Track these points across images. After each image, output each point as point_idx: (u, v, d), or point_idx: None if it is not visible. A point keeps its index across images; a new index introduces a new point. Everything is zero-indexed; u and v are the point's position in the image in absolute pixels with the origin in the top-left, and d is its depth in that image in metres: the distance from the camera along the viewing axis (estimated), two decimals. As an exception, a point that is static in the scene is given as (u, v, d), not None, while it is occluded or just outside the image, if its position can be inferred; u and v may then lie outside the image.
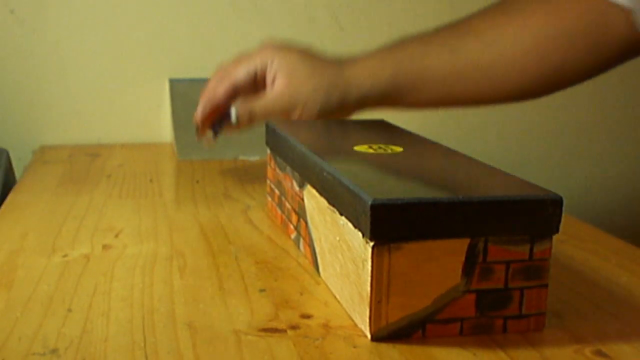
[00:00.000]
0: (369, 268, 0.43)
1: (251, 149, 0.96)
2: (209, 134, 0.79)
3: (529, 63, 0.72)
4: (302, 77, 0.73)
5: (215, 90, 0.76)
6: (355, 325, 0.46)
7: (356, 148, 0.57)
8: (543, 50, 0.72)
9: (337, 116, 0.75)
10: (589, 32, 0.71)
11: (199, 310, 0.48)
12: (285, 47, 0.76)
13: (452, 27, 0.75)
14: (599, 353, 0.43)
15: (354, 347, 0.44)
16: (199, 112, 0.77)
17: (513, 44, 0.72)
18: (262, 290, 0.52)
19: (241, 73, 0.74)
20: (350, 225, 0.46)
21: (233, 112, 0.75)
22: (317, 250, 0.55)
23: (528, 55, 0.72)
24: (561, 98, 1.22)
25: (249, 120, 0.75)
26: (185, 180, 0.84)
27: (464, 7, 1.15)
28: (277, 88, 0.74)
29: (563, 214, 0.44)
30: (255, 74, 0.75)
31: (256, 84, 0.75)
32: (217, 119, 0.77)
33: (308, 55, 0.76)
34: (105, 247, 0.61)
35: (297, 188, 0.60)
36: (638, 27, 0.68)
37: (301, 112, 0.73)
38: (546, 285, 0.45)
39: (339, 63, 0.75)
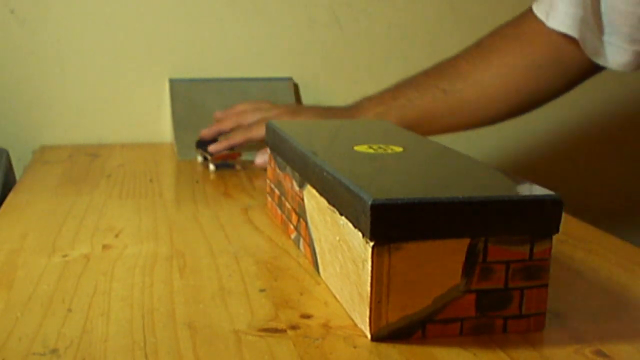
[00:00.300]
0: (369, 268, 0.43)
1: (251, 149, 0.96)
2: (211, 164, 0.89)
3: (508, 94, 0.88)
4: None
5: (234, 136, 0.89)
6: (355, 325, 0.46)
7: (356, 148, 0.57)
8: (519, 82, 0.88)
9: None
10: (554, 61, 0.86)
11: (199, 310, 0.48)
12: (301, 110, 0.90)
13: (440, 70, 0.90)
14: (599, 353, 0.43)
15: (354, 347, 0.44)
16: (209, 137, 0.92)
17: (494, 80, 0.88)
18: (262, 290, 0.52)
19: (260, 133, 0.86)
20: (350, 225, 0.46)
21: (260, 159, 0.87)
22: (317, 250, 0.55)
23: (507, 87, 0.88)
24: (561, 99, 1.22)
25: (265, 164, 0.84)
26: (185, 180, 0.84)
27: (463, 7, 1.15)
28: None
29: (563, 214, 0.44)
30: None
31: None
32: (224, 157, 0.89)
33: (322, 111, 0.90)
34: (105, 247, 0.61)
35: (297, 188, 0.60)
36: (587, 54, 0.82)
37: None
38: (546, 285, 0.45)
39: (348, 110, 0.89)
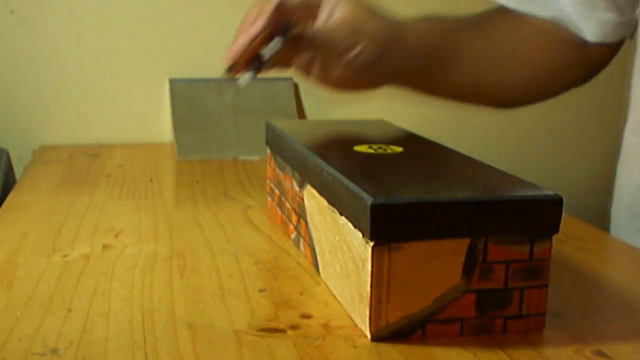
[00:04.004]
0: (369, 268, 0.43)
1: (251, 149, 0.96)
2: (243, 74, 0.66)
3: (537, 60, 0.80)
4: (366, 13, 0.69)
5: (259, 18, 0.66)
6: (355, 325, 0.46)
7: (356, 148, 0.57)
8: (547, 53, 0.80)
9: (373, 77, 0.71)
10: (571, 51, 0.80)
11: (199, 310, 0.48)
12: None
13: (472, 23, 0.80)
14: (599, 353, 0.43)
15: (354, 347, 0.44)
16: (237, 46, 0.67)
17: (526, 41, 0.80)
18: (262, 290, 0.52)
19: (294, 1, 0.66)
20: (350, 225, 0.46)
21: (278, 41, 0.65)
22: (317, 250, 0.55)
23: (537, 54, 0.80)
24: (562, 99, 1.22)
25: (306, 46, 0.67)
26: (185, 180, 0.84)
27: (464, 7, 1.15)
28: (339, 16, 0.66)
29: (563, 214, 0.44)
30: (310, 3, 0.67)
31: (307, 15, 0.67)
32: (256, 55, 0.66)
33: (368, 7, 0.70)
34: (105, 247, 0.61)
35: (297, 188, 0.60)
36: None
37: (360, 51, 0.67)
38: (546, 285, 0.45)
39: (392, 17, 0.73)
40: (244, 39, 0.66)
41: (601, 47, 0.81)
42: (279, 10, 0.66)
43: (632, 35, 0.82)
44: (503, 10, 0.81)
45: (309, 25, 0.67)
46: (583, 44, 0.80)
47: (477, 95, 0.83)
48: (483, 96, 0.84)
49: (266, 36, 0.66)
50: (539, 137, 1.22)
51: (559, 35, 0.80)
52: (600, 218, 0.85)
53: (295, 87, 1.11)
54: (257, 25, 0.66)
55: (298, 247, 0.61)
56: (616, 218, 0.79)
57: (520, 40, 0.81)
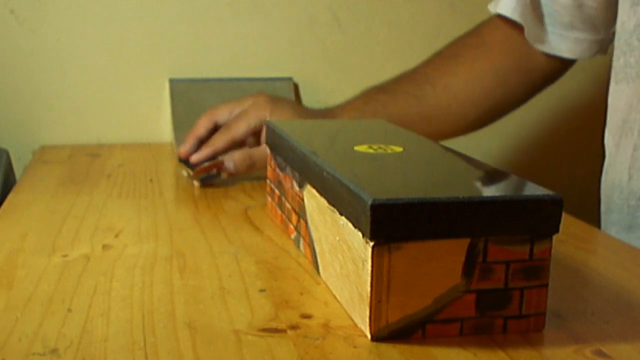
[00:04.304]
0: (369, 268, 0.43)
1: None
2: (195, 181, 0.81)
3: (478, 99, 0.90)
4: (301, 115, 0.81)
5: (215, 140, 0.81)
6: (355, 325, 0.46)
7: (356, 148, 0.57)
8: (488, 87, 0.90)
9: None
10: (518, 67, 0.90)
11: (199, 310, 0.48)
12: (278, 101, 0.84)
13: (410, 77, 0.90)
14: (599, 353, 0.43)
15: (354, 347, 0.44)
16: (188, 152, 0.83)
17: (463, 85, 0.89)
18: (262, 290, 0.52)
19: (242, 129, 0.81)
20: (350, 225, 0.46)
21: (230, 163, 0.79)
22: (317, 250, 0.55)
23: (476, 93, 0.90)
24: (562, 98, 1.23)
25: (249, 167, 0.80)
26: (185, 181, 0.84)
27: (464, 7, 1.15)
28: None
29: (563, 214, 0.44)
30: (253, 129, 0.81)
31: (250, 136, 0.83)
32: (206, 169, 0.81)
33: (299, 108, 0.86)
34: (105, 247, 0.61)
35: (297, 188, 0.60)
36: (531, 41, 0.86)
37: None
38: (546, 285, 0.45)
39: (325, 114, 0.87)
40: (196, 152, 0.81)
41: (551, 63, 0.89)
42: (231, 142, 0.81)
43: (606, 51, 0.86)
44: (442, 59, 0.91)
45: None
46: (533, 65, 0.89)
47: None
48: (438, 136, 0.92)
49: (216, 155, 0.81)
50: (539, 137, 1.22)
51: (504, 64, 0.89)
52: (600, 218, 0.85)
53: (295, 87, 1.11)
54: (215, 147, 0.81)
55: (298, 247, 0.61)
56: (604, 218, 0.80)
57: (462, 81, 0.89)
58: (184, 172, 0.84)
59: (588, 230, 0.69)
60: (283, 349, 0.43)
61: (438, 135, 0.90)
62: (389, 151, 0.56)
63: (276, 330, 0.46)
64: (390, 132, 0.66)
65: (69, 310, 0.48)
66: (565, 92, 1.19)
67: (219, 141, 0.81)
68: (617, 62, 0.78)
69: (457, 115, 0.90)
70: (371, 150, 0.56)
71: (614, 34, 0.84)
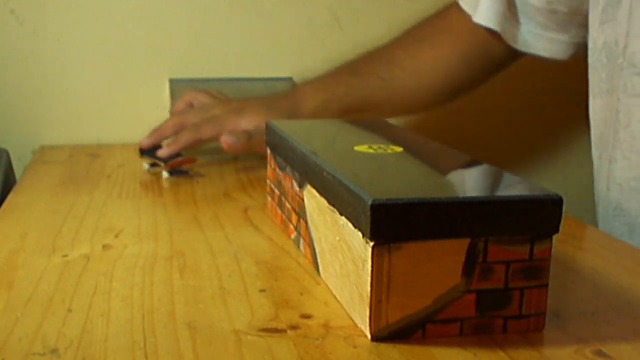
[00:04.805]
0: (369, 268, 0.43)
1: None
2: (165, 171, 0.86)
3: (442, 83, 0.95)
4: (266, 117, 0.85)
5: (182, 139, 0.85)
6: (355, 325, 0.46)
7: (356, 148, 0.57)
8: (452, 72, 0.95)
9: None
10: (481, 53, 0.93)
11: (199, 310, 0.48)
12: (246, 106, 0.87)
13: (376, 58, 0.94)
14: (599, 353, 0.43)
15: (354, 347, 0.44)
16: (149, 145, 0.88)
17: (430, 70, 0.94)
18: (262, 290, 0.52)
19: (209, 133, 0.85)
20: (350, 225, 0.46)
21: (230, 137, 0.83)
22: (317, 250, 0.55)
23: (441, 77, 0.95)
24: (562, 98, 1.22)
25: (247, 141, 0.84)
26: (185, 181, 0.84)
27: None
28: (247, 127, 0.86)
29: (563, 214, 0.44)
30: (219, 135, 0.85)
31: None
32: (179, 163, 0.87)
33: (266, 101, 0.89)
34: (105, 247, 0.61)
35: (297, 188, 0.60)
36: (509, 42, 0.89)
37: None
38: (546, 285, 0.45)
39: (291, 98, 0.90)
40: (172, 149, 0.86)
41: (509, 53, 0.92)
42: (196, 142, 0.86)
43: (582, 53, 0.89)
44: (407, 40, 0.95)
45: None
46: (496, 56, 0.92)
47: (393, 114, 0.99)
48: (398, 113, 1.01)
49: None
50: (538, 137, 1.22)
51: (465, 50, 0.93)
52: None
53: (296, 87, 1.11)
54: (179, 145, 0.85)
55: (298, 247, 0.61)
56: (600, 221, 0.81)
57: (427, 66, 0.94)
58: (145, 164, 0.89)
59: (588, 230, 0.69)
60: (283, 349, 0.43)
61: (398, 113, 1.02)
62: (389, 151, 0.56)
63: (276, 330, 0.46)
64: (390, 132, 0.66)
65: (69, 310, 0.48)
66: (565, 92, 1.19)
67: (185, 139, 0.85)
68: (592, 78, 0.80)
69: (420, 98, 0.96)
70: (371, 150, 0.56)
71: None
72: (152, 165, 0.88)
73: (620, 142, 0.74)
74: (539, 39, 0.89)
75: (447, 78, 0.95)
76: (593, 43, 0.79)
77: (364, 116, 0.92)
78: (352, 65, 0.93)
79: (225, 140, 0.83)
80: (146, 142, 0.88)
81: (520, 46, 0.90)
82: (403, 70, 0.93)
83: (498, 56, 0.93)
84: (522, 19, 0.88)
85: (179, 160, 0.86)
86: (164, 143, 0.88)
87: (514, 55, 0.93)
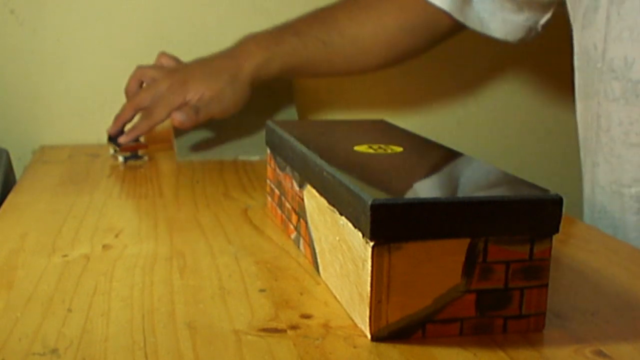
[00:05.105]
0: (369, 268, 0.43)
1: (251, 149, 0.96)
2: (120, 156, 0.92)
3: (382, 51, 0.96)
4: (212, 86, 0.90)
5: (139, 126, 0.91)
6: (355, 325, 0.46)
7: (356, 148, 0.57)
8: (394, 41, 0.96)
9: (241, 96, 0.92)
10: (426, 25, 0.94)
11: (199, 310, 0.48)
12: (188, 74, 0.91)
13: (320, 20, 0.95)
14: (599, 353, 0.43)
15: (354, 347, 0.44)
16: (116, 132, 0.93)
17: (371, 37, 0.95)
18: (262, 290, 0.52)
19: (162, 115, 0.89)
20: (350, 225, 0.46)
21: (178, 114, 0.88)
22: (317, 250, 0.55)
23: (382, 46, 0.96)
24: (562, 98, 1.22)
25: (196, 116, 0.89)
26: (185, 180, 0.84)
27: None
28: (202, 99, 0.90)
29: (563, 214, 0.44)
30: (172, 110, 0.89)
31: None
32: (132, 148, 0.92)
33: (207, 62, 0.93)
34: (105, 247, 0.61)
35: (297, 188, 0.60)
36: (461, 21, 0.91)
37: (222, 106, 0.91)
38: (546, 285, 0.45)
39: (232, 57, 0.92)
40: (130, 136, 0.92)
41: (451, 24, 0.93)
42: (151, 128, 0.92)
43: (530, 39, 0.93)
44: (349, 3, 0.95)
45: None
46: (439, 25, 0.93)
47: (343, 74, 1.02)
48: (348, 73, 1.03)
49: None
50: (539, 137, 1.22)
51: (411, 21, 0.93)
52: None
53: (296, 87, 1.11)
54: (142, 130, 0.91)
55: (298, 247, 0.61)
56: (587, 223, 0.82)
57: (369, 33, 0.94)
58: (111, 150, 0.94)
59: (588, 230, 0.69)
60: (283, 349, 0.43)
61: (340, 75, 1.04)
62: (389, 151, 0.56)
63: (276, 330, 0.46)
64: (390, 132, 0.66)
65: (69, 310, 0.48)
66: (566, 92, 1.19)
67: (142, 126, 0.91)
68: (577, 81, 0.81)
69: (359, 62, 0.97)
70: (371, 150, 0.56)
71: (542, 25, 0.91)
72: (115, 151, 0.93)
73: (602, 146, 0.75)
74: (493, 19, 0.90)
75: (388, 46, 0.96)
76: (577, 47, 0.80)
77: (302, 76, 0.99)
78: (296, 25, 0.95)
79: (175, 118, 0.87)
80: (112, 130, 0.93)
81: (473, 24, 0.91)
82: (342, 36, 0.94)
83: (444, 29, 0.94)
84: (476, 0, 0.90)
85: (132, 146, 0.91)
86: (126, 128, 0.93)
87: (461, 28, 0.94)
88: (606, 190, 0.76)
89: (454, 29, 0.95)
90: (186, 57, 1.08)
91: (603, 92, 0.74)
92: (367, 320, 0.44)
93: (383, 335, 0.44)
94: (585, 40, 0.77)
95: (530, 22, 0.90)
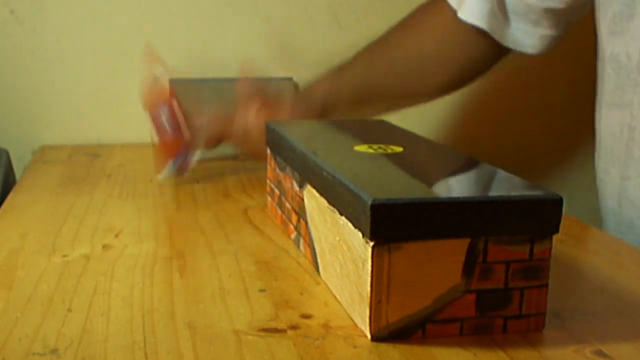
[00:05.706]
0: (369, 268, 0.43)
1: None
2: (169, 166, 0.84)
3: (444, 66, 0.92)
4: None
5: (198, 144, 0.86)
6: (355, 325, 0.46)
7: (356, 148, 0.57)
8: (454, 54, 0.92)
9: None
10: (463, 47, 0.91)
11: (199, 310, 0.48)
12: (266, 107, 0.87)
13: (379, 44, 0.92)
14: (599, 353, 0.43)
15: (354, 347, 0.44)
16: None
17: (430, 53, 0.91)
18: (262, 290, 0.52)
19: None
20: (350, 225, 0.46)
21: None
22: (317, 250, 0.55)
23: (441, 60, 0.91)
24: (562, 98, 1.22)
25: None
26: (185, 180, 0.84)
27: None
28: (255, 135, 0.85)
29: (563, 214, 0.44)
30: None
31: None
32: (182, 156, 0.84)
33: (284, 103, 0.88)
34: (105, 247, 0.61)
35: (297, 188, 0.60)
36: (496, 39, 0.87)
37: None
38: (546, 285, 0.45)
39: (307, 95, 0.90)
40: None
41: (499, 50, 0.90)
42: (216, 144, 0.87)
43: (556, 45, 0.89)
44: (405, 27, 0.93)
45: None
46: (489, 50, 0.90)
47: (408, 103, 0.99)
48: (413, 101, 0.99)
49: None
50: (539, 137, 1.22)
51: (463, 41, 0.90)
52: (600, 218, 0.85)
53: (296, 87, 1.11)
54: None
55: (298, 247, 0.61)
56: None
57: (429, 49, 0.91)
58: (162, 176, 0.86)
59: (588, 230, 0.69)
60: (283, 349, 0.43)
61: (409, 97, 0.96)
62: (389, 151, 0.56)
63: (276, 330, 0.46)
64: (390, 132, 0.66)
65: (69, 310, 0.48)
66: (567, 92, 1.19)
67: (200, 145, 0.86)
68: (601, 88, 0.78)
69: (427, 78, 0.93)
70: (371, 150, 0.56)
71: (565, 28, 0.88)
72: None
73: (635, 160, 0.72)
74: (529, 37, 0.88)
75: (446, 60, 0.92)
76: (601, 52, 0.77)
77: (375, 100, 0.92)
78: (356, 56, 0.92)
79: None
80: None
81: (510, 44, 0.89)
82: (406, 53, 0.91)
83: (483, 53, 0.92)
84: (512, 16, 0.87)
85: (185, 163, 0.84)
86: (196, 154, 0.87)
87: (498, 54, 0.92)
88: (636, 205, 0.73)
89: (493, 52, 0.91)
90: (186, 57, 1.08)
91: (638, 104, 0.71)
92: (367, 320, 0.44)
93: (383, 335, 0.44)
94: (615, 48, 0.74)
95: (561, 32, 0.88)
